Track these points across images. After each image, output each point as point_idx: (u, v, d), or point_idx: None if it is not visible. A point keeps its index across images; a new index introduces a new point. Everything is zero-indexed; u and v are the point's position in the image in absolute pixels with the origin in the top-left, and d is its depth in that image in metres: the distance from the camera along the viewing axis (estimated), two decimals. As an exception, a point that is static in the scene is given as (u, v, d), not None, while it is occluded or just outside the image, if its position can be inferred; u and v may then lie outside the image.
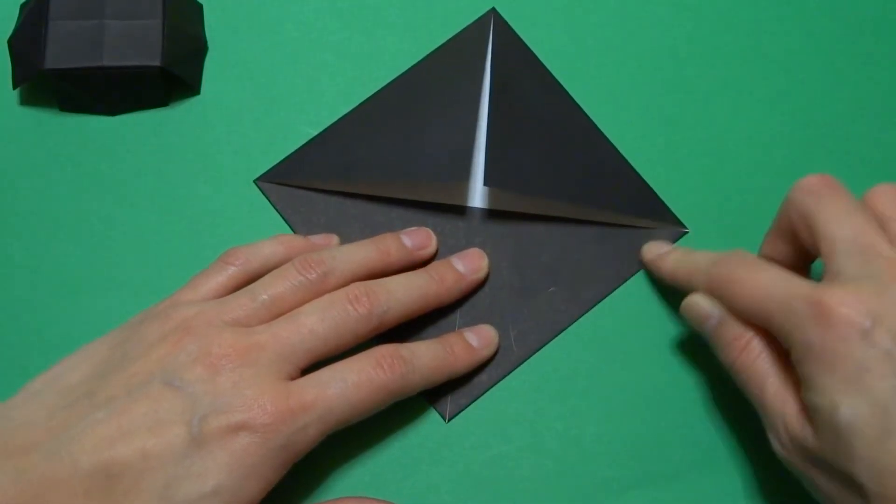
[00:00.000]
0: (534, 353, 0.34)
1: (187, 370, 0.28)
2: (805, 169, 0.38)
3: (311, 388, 0.29)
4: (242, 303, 0.30)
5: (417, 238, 0.35)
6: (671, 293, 0.35)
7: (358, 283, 0.31)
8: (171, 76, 0.37)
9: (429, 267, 0.34)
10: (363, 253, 0.33)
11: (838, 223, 0.28)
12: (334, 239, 0.35)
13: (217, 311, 0.30)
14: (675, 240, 0.36)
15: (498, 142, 0.36)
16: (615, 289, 0.36)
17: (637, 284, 0.36)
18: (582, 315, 0.35)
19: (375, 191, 0.36)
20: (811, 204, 0.29)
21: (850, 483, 0.26)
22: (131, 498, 0.26)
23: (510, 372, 0.34)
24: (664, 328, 0.35)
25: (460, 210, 0.35)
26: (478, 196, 0.35)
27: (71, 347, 0.34)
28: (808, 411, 0.27)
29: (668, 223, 0.37)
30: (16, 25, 0.38)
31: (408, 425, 0.34)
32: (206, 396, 0.28)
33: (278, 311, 0.31)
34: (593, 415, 0.34)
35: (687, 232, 0.37)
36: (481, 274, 0.35)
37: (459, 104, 0.37)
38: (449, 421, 0.33)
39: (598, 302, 0.35)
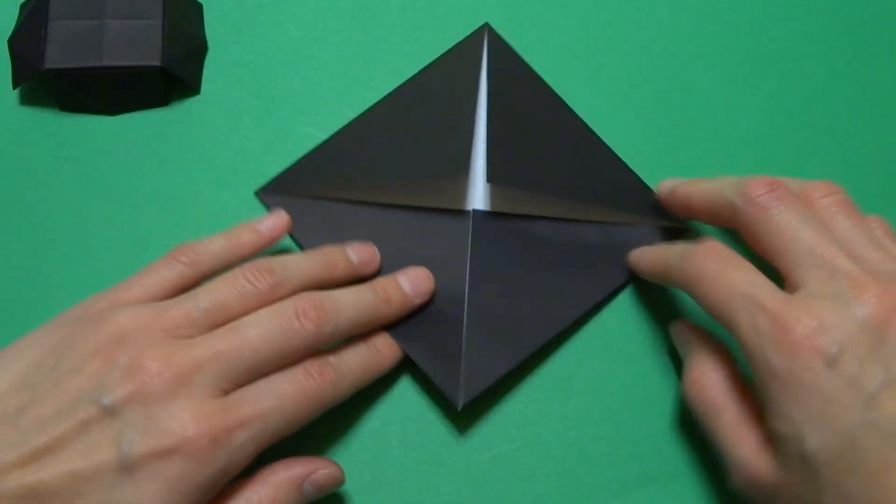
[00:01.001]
0: (538, 348, 0.34)
1: (118, 388, 0.26)
2: (805, 167, 0.39)
3: (245, 404, 0.27)
4: (184, 310, 0.29)
5: (363, 254, 0.34)
6: (671, 293, 0.35)
7: (307, 295, 0.30)
8: (171, 76, 0.38)
9: (375, 283, 0.32)
10: (312, 264, 0.32)
11: (792, 238, 0.28)
12: (282, 224, 0.34)
13: (155, 318, 0.28)
14: (674, 238, 0.37)
15: (497, 144, 0.36)
16: (619, 287, 0.36)
17: (638, 284, 0.36)
18: (586, 312, 0.35)
19: (377, 197, 0.36)
20: (760, 220, 0.29)
21: None
22: None
23: (515, 366, 0.34)
24: (664, 328, 0.35)
25: (462, 214, 0.35)
26: (478, 198, 0.35)
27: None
28: (773, 439, 0.27)
29: (667, 221, 0.37)
30: (16, 25, 0.38)
31: (408, 425, 0.34)
32: (136, 417, 0.26)
33: (221, 320, 0.29)
34: (593, 415, 0.34)
35: (686, 230, 0.37)
36: (425, 298, 0.33)
37: (457, 112, 0.37)
38: (461, 409, 0.32)
39: (602, 299, 0.35)
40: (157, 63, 0.37)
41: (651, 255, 0.34)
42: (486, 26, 0.39)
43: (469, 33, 0.39)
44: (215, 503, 0.27)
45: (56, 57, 0.36)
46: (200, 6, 0.40)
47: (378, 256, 0.34)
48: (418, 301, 0.33)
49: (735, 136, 0.39)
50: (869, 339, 0.25)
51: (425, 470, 0.33)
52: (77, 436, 0.26)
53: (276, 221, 0.34)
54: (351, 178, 0.37)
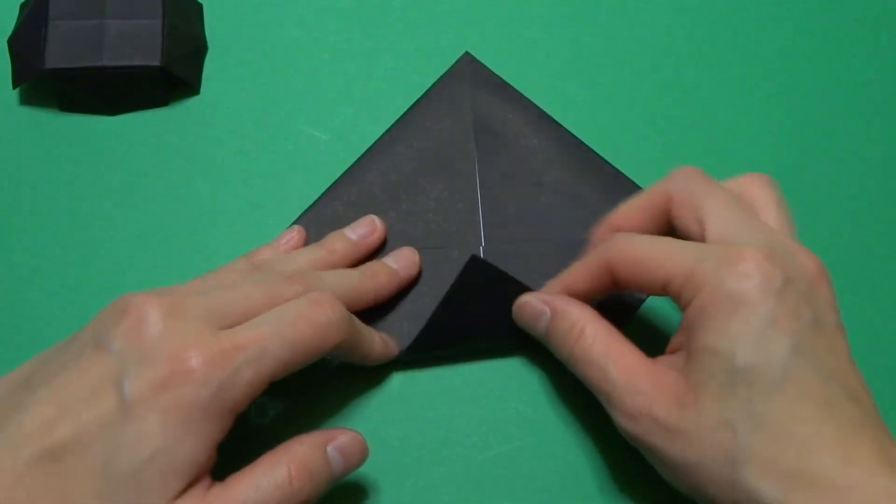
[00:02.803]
0: None
1: (114, 328, 0.26)
2: (805, 167, 0.39)
3: (242, 331, 0.27)
4: (190, 286, 0.30)
5: (362, 228, 0.35)
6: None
7: (294, 270, 0.32)
8: (171, 76, 0.38)
9: (363, 266, 0.34)
10: (310, 254, 0.34)
11: (727, 205, 0.29)
12: (300, 232, 0.36)
13: (163, 293, 0.29)
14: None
15: (489, 205, 0.37)
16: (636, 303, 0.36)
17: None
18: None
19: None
20: (700, 192, 0.30)
21: (720, 443, 0.26)
22: (75, 480, 0.25)
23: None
24: (665, 328, 0.35)
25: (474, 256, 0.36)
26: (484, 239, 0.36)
27: (71, 347, 0.34)
28: (695, 360, 0.27)
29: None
30: (16, 25, 0.38)
31: (408, 425, 0.34)
32: (131, 352, 0.26)
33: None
34: (593, 414, 0.34)
35: None
36: (413, 270, 0.35)
37: (456, 171, 0.37)
38: (400, 355, 0.34)
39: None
40: (157, 63, 0.37)
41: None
42: (467, 55, 0.39)
43: (452, 64, 0.39)
44: (241, 474, 0.27)
45: (56, 57, 0.36)
46: (200, 6, 0.40)
47: (378, 224, 0.36)
48: (405, 274, 0.35)
49: (735, 136, 0.39)
50: (805, 285, 0.27)
51: (425, 470, 0.33)
52: (81, 384, 0.26)
53: (290, 234, 0.36)
54: None
